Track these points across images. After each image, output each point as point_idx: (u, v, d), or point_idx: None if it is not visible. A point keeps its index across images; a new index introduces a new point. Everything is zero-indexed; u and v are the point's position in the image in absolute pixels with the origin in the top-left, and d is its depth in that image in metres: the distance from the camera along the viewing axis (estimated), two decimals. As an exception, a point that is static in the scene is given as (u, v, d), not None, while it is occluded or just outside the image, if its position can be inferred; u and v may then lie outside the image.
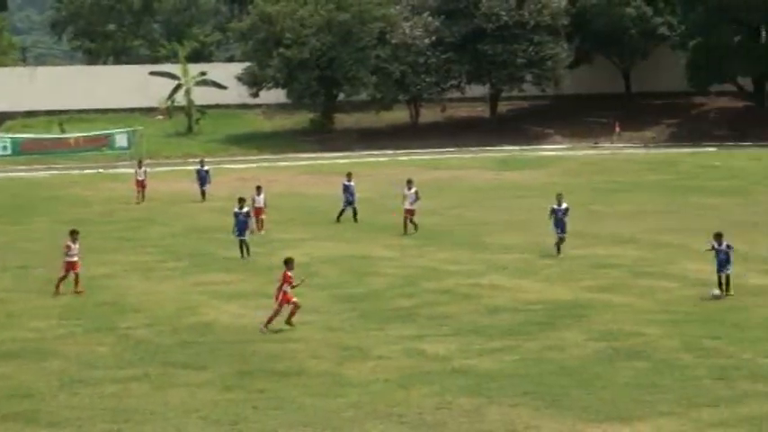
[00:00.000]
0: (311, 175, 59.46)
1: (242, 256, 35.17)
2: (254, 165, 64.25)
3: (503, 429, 19.36)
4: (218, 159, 67.20)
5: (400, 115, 77.86)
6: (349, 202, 42.63)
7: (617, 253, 35.05)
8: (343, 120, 77.81)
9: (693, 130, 74.89)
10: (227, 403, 20.95)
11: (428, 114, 78.82)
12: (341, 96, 77.58)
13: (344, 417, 20.13)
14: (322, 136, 75.36)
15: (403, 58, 74.42)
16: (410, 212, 39.39)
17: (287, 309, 26.04)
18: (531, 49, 74.40)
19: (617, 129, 73.27)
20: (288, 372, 22.85)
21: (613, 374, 22.19)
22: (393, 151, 68.93)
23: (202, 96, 78.21)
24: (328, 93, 76.43)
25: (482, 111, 79.61)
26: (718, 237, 29.11)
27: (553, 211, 35.04)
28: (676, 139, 73.25)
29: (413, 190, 39.60)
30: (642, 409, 20.06)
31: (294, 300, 26.05)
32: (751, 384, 21.09)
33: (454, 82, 76.86)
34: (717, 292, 28.36)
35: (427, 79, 74.88)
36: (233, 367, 23.27)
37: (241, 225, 35.37)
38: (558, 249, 34.55)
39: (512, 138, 72.89)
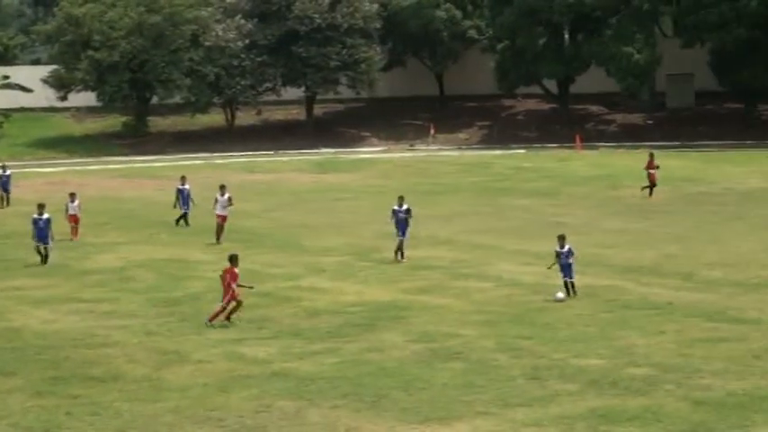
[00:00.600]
0: (125, 178, 58.50)
1: (42, 262, 34.33)
2: (64, 168, 62.86)
3: (323, 432, 19.41)
4: (24, 163, 65.45)
5: (216, 118, 77.32)
6: (187, 205, 42.02)
7: (434, 255, 35.51)
8: (158, 123, 76.82)
9: (504, 132, 76.42)
10: (39, 410, 20.44)
11: (244, 117, 78.46)
12: (154, 99, 76.58)
13: (163, 421, 19.86)
14: (135, 139, 74.25)
15: (217, 60, 73.93)
16: (223, 218, 38.69)
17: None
18: (344, 51, 74.81)
19: (432, 131, 74.25)
20: (104, 377, 22.43)
21: (432, 375, 22.45)
22: (209, 154, 68.38)
23: (6, 100, 76.12)
24: (141, 96, 75.39)
25: (298, 113, 79.67)
26: (561, 239, 29.21)
27: (394, 213, 35.07)
28: (488, 141, 74.62)
29: (226, 195, 39.08)
30: (460, 410, 20.35)
31: (239, 298, 26.37)
32: (562, 384, 21.59)
33: (269, 85, 76.73)
34: (561, 295, 28.44)
35: (242, 82, 74.56)
36: (45, 373, 22.71)
37: (41, 232, 34.42)
38: (400, 254, 34.49)
39: (328, 140, 73.15)
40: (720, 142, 67.35)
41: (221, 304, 26.43)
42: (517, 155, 66.80)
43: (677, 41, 77.05)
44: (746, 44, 72.07)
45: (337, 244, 37.25)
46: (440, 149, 70.78)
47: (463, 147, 72.67)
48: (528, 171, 58.64)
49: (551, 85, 78.59)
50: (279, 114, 79.97)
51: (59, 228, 37.21)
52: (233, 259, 26.65)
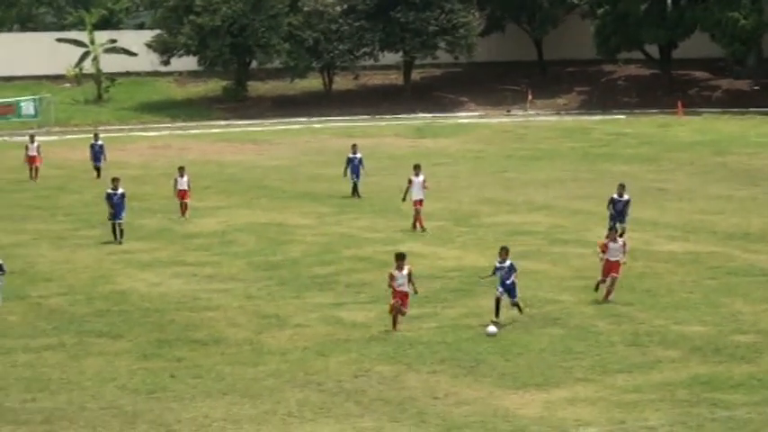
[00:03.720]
0: (225, 142, 59.04)
1: (115, 239, 32.50)
2: (167, 132, 63.62)
3: (422, 396, 19.45)
4: (129, 127, 66.40)
5: (314, 83, 77.54)
6: (357, 175, 39.77)
7: (532, 220, 35.31)
8: (257, 87, 77.29)
9: (604, 97, 75.53)
10: (145, 372, 20.79)
11: (342, 82, 78.59)
12: (254, 64, 77.02)
13: (264, 385, 20.08)
14: (235, 104, 74.77)
15: (316, 25, 74.06)
16: (420, 203, 33.85)
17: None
18: (443, 16, 74.41)
19: (530, 96, 73.70)
20: (206, 340, 22.73)
21: (530, 341, 22.39)
22: (307, 119, 68.69)
23: (112, 64, 77.11)
24: (241, 60, 75.84)
25: (396, 78, 79.53)
26: (503, 252, 24.23)
27: (613, 202, 32.17)
28: (587, 106, 73.87)
29: (421, 177, 34.20)
30: (558, 376, 20.28)
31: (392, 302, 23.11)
32: (663, 351, 21.41)
33: (367, 49, 76.67)
34: (492, 329, 22.85)
35: (340, 47, 74.61)
36: (150, 336, 23.09)
37: (117, 207, 32.73)
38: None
39: (426, 105, 72.98)
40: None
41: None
42: (617, 120, 66.06)
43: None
44: None
45: (436, 209, 37.17)
46: (537, 115, 70.27)
47: (562, 112, 72.04)
48: (628, 137, 57.97)
49: (653, 51, 77.46)
50: (376, 79, 79.96)
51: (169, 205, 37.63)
52: (398, 257, 23.41)
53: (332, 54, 74.85)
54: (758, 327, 22.72)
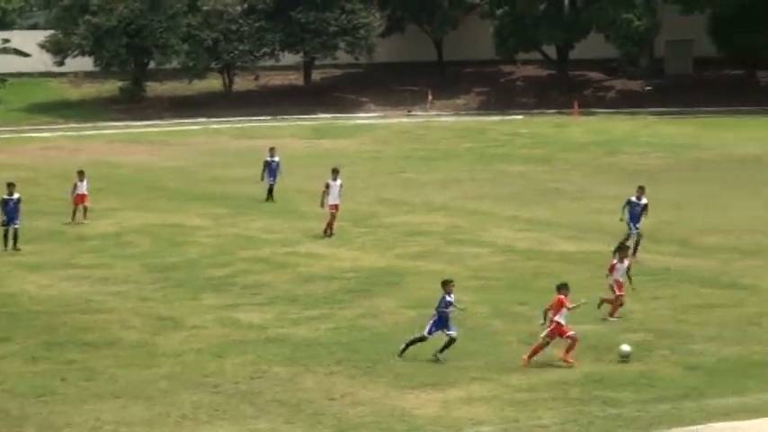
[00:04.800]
0: (120, 143, 58.37)
1: (6, 247, 31.32)
2: (60, 134, 62.66)
3: (318, 397, 19.43)
4: (21, 128, 65.24)
5: (213, 83, 77.03)
6: (273, 178, 39.12)
7: (429, 220, 35.47)
8: (155, 88, 76.54)
9: (502, 98, 76.17)
10: (33, 375, 20.48)
11: (242, 83, 78.19)
12: (152, 64, 76.28)
13: (157, 387, 19.90)
14: (132, 104, 73.95)
15: (215, 25, 73.57)
16: (336, 208, 33.27)
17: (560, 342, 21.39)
18: (343, 17, 74.43)
19: (430, 97, 74.03)
20: (98, 343, 22.45)
21: (426, 342, 22.45)
22: (206, 119, 68.18)
23: (3, 65, 75.81)
24: (138, 61, 75.09)
25: (296, 79, 79.34)
26: (446, 285, 21.73)
27: (630, 204, 30.79)
28: (486, 107, 74.39)
29: (339, 181, 33.77)
30: (454, 375, 20.39)
31: (570, 333, 21.11)
32: (557, 350, 21.59)
33: (267, 50, 76.36)
34: (626, 348, 21.13)
35: (240, 47, 74.20)
36: (40, 338, 22.73)
37: (11, 213, 31.59)
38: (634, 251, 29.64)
39: (326, 106, 72.91)
40: (718, 108, 67.18)
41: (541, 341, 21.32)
42: (514, 121, 66.66)
43: (677, 8, 76.71)
44: (745, 10, 71.75)
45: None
46: (438, 115, 70.62)
47: (461, 112, 72.47)
48: (525, 137, 58.53)
49: (550, 51, 78.33)
50: (277, 79, 79.67)
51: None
52: (562, 288, 21.63)
53: (232, 54, 74.42)
54: (647, 326, 23.09)
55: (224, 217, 36.59)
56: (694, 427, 11.75)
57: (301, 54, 76.76)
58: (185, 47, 73.20)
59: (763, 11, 72.28)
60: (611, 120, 65.28)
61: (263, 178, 39.54)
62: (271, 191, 39.31)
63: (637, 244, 28.41)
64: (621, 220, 29.84)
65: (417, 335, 21.53)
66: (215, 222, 35.72)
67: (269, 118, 68.08)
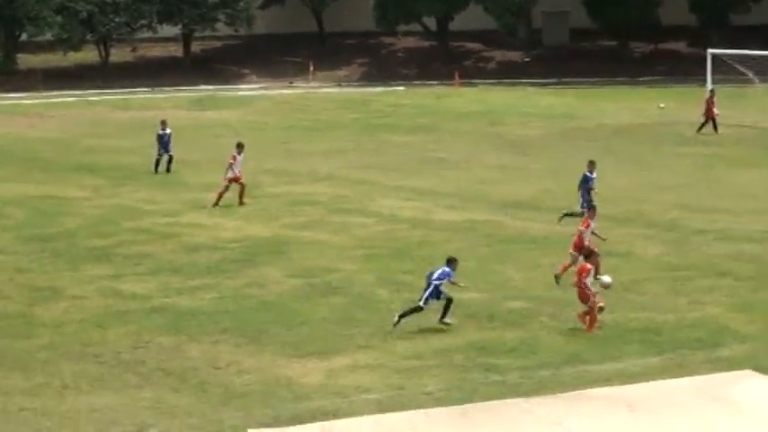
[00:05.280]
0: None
1: None
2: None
3: (204, 366, 19.35)
4: None
5: (90, 56, 75.72)
6: (166, 151, 38.57)
7: (314, 191, 35.41)
8: (28, 60, 74.97)
9: (383, 69, 76.28)
10: None
11: (119, 55, 76.98)
12: (24, 37, 74.65)
13: (37, 357, 19.63)
14: (4, 77, 72.38)
15: (90, -4, 72.38)
16: (236, 180, 33.04)
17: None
18: (223, -12, 73.83)
19: (311, 68, 73.80)
20: (-27, 315, 22.02)
21: (312, 310, 22.52)
22: (82, 92, 67.03)
23: None
24: (9, 33, 73.48)
25: (175, 51, 78.40)
26: (451, 261, 22.10)
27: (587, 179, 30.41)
28: (368, 78, 74.42)
29: (242, 155, 33.53)
30: (340, 344, 20.46)
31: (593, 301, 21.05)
32: (436, 315, 21.75)
33: (145, 22, 75.30)
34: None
35: (116, 19, 73.03)
36: None
37: None
38: None
39: (206, 78, 72.22)
40: (594, 79, 68.19)
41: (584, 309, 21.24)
42: (397, 92, 66.82)
43: (554, -21, 77.67)
44: (620, -18, 72.82)
45: (218, 180, 36.80)
46: (320, 87, 70.46)
47: (343, 84, 72.39)
48: (408, 108, 58.71)
49: (431, 23, 78.62)
50: (155, 51, 78.62)
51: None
52: (589, 255, 22.26)
53: (107, 26, 73.20)
54: (528, 293, 23.39)
55: (104, 188, 36.06)
56: (574, 393, 11.96)
57: (180, 26, 75.86)
58: (59, 19, 71.79)
59: (637, -17, 73.41)
60: (492, 90, 65.84)
61: (159, 152, 39.05)
62: (158, 163, 38.82)
63: (572, 214, 28.33)
64: (594, 192, 28.99)
65: (412, 305, 21.29)
66: (95, 193, 35.18)
67: (147, 90, 67.20)
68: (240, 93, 67.16)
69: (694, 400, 11.27)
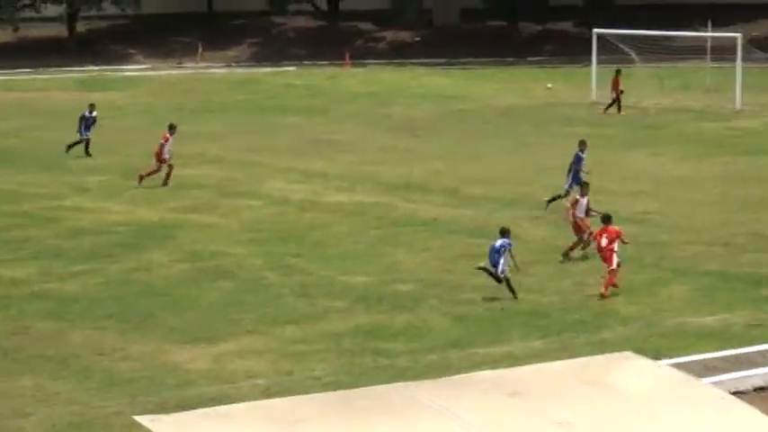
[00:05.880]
0: None
1: None
2: None
3: (87, 352, 19.08)
4: None
5: (-30, 34, 74.26)
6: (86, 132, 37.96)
7: (203, 173, 35.07)
8: None
9: (274, 49, 75.86)
10: None
11: (1, 35, 75.53)
12: None
13: None
14: None
15: (-30, -26, 70.82)
16: (165, 162, 32.94)
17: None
18: (109, -33, 72.73)
19: (200, 49, 73.10)
20: None
21: (199, 294, 22.33)
22: (-38, 72, 65.59)
23: None
24: None
25: (60, 31, 77.10)
26: (505, 232, 22.57)
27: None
28: (258, 58, 73.97)
29: (173, 137, 33.73)
30: (228, 329, 20.32)
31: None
32: (330, 301, 21.79)
33: (27, 1, 73.91)
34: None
35: (-3, -2, 71.70)
36: None
37: None
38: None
39: (92, 58, 71.10)
40: (483, 60, 68.60)
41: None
42: (287, 72, 66.52)
43: (444, -41, 77.94)
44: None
45: (103, 163, 36.37)
46: (208, 67, 69.82)
47: (233, 64, 71.85)
48: (299, 88, 58.48)
49: (322, 3, 78.39)
50: (39, 32, 77.22)
51: None
52: (607, 219, 22.64)
53: (-13, 5, 71.69)
54: (417, 276, 23.45)
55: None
56: (461, 376, 12.02)
57: (64, 5, 74.56)
58: (-66, -4, 70.05)
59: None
60: (383, 71, 65.88)
61: (80, 133, 38.27)
62: (75, 144, 38.09)
63: (557, 197, 28.31)
64: (587, 172, 28.93)
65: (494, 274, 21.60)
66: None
67: (31, 71, 65.93)
68: (127, 73, 66.25)
69: (575, 382, 11.35)
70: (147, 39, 74.60)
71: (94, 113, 38.63)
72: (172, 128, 33.83)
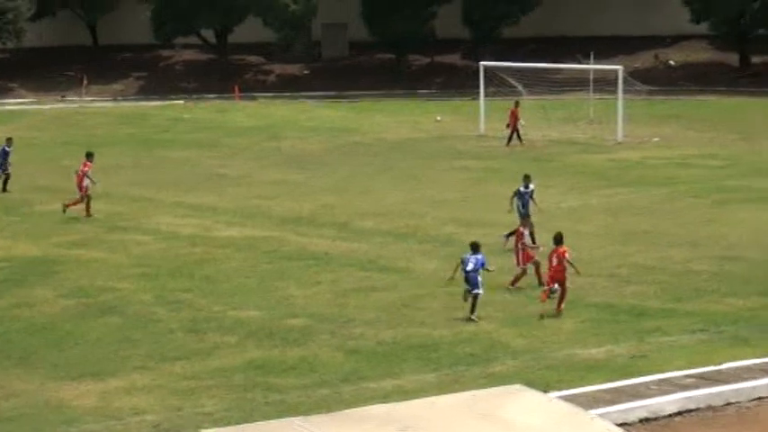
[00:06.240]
0: None
1: None
2: None
3: (-33, 394, 18.59)
4: None
5: None
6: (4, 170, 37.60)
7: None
8: None
9: (162, 83, 75.33)
10: None
11: None
12: None
13: None
14: None
15: None
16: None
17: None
18: (-10, 0, 71.67)
19: (85, 82, 72.25)
20: None
21: (85, 331, 21.95)
22: None
23: None
24: None
25: (-62, 63, 75.76)
26: (477, 246, 23.21)
27: (519, 194, 29.97)
28: (145, 92, 73.38)
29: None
30: (115, 365, 20.00)
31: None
32: (220, 337, 21.58)
33: None
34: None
35: None
36: None
37: None
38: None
39: (-27, 92, 70.06)
40: (373, 92, 68.92)
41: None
42: (176, 106, 66.05)
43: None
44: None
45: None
46: (93, 100, 69.01)
47: (119, 98, 71.17)
48: (187, 122, 58.09)
49: (210, 36, 78.11)
50: None
51: None
52: (558, 240, 23.22)
53: None
54: (309, 310, 23.34)
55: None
56: (351, 410, 11.96)
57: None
58: None
59: (412, -3, 74.66)
60: (273, 104, 65.82)
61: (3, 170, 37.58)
62: (6, 181, 37.49)
63: (531, 231, 28.20)
64: (510, 211, 29.21)
65: (472, 300, 22.28)
66: None
67: None
68: (8, 107, 65.15)
69: (466, 415, 11.37)
70: (29, 72, 73.58)
71: (11, 148, 38.09)
72: (90, 156, 33.85)
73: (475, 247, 22.90)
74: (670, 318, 22.09)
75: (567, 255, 22.90)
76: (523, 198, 29.30)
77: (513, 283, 24.42)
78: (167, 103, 67.24)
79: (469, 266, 22.52)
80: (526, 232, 25.44)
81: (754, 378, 17.38)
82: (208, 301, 24.09)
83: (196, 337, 21.61)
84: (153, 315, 23.09)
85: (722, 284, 24.34)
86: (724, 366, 18.12)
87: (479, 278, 22.44)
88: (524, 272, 24.63)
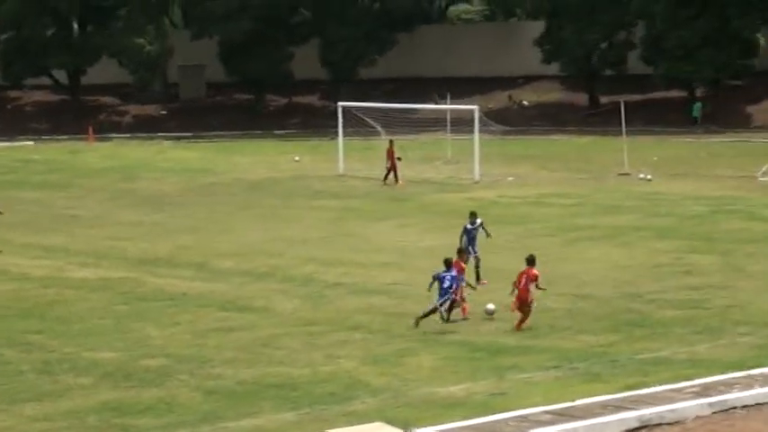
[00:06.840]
0: None
1: None
2: None
3: None
4: None
5: None
6: None
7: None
8: None
9: (10, 124, 73.92)
10: None
11: None
12: None
13: None
14: None
15: None
16: None
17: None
18: None
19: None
20: None
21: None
22: None
23: None
24: None
25: None
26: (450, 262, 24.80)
27: (466, 231, 29.92)
28: (-8, 133, 71.98)
29: None
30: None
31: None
32: (74, 378, 21.08)
33: None
34: (491, 307, 25.00)
35: None
36: None
37: None
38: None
39: None
40: (231, 132, 68.69)
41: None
42: (25, 147, 64.80)
43: (188, 33, 77.90)
44: (252, 36, 73.95)
45: None
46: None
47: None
48: (37, 163, 57.04)
49: (61, 76, 76.94)
50: None
51: None
52: (531, 261, 24.11)
53: None
54: (166, 350, 22.97)
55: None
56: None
57: None
58: None
59: (268, 38, 74.84)
60: (128, 145, 65.08)
61: None
62: None
63: (477, 266, 28.25)
64: (487, 236, 29.75)
65: (430, 308, 23.61)
66: None
67: None
68: None
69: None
70: None
71: None
72: None
73: (448, 264, 24.10)
74: (526, 354, 22.28)
75: (539, 279, 23.80)
76: (470, 234, 29.49)
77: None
78: (16, 144, 65.91)
79: (446, 284, 23.82)
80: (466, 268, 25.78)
81: (607, 414, 17.61)
82: (60, 342, 23.52)
83: (48, 378, 21.06)
84: (2, 357, 22.46)
85: (575, 321, 24.66)
86: (578, 402, 18.32)
87: (446, 295, 23.84)
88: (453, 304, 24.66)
